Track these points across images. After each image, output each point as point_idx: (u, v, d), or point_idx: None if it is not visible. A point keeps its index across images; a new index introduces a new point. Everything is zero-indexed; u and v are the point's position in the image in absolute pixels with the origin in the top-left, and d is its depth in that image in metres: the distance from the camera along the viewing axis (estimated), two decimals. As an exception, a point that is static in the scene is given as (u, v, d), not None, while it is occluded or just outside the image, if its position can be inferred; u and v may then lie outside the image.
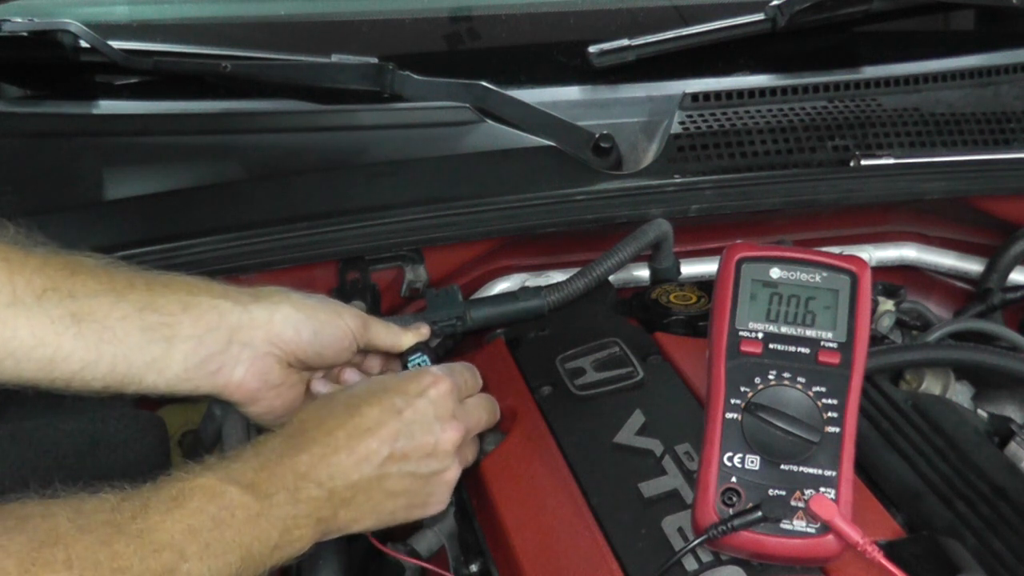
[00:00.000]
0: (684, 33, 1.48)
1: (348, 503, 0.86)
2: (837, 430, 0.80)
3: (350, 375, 1.02)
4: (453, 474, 0.93)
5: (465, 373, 0.99)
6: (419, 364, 1.06)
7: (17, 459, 0.99)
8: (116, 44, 1.35)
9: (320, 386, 1.00)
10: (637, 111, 1.39)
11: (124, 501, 0.74)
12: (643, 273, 1.31)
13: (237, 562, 0.77)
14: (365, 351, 1.04)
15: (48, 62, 1.39)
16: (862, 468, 0.91)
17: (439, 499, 0.94)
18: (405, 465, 0.89)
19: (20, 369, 0.87)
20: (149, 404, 1.08)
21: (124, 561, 0.70)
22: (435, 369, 0.97)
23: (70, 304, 0.87)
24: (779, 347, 0.82)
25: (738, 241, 0.87)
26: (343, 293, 1.20)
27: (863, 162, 1.32)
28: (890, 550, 0.78)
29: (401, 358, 1.06)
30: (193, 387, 0.93)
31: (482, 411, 0.99)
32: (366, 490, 0.87)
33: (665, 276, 1.27)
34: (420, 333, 1.06)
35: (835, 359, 0.81)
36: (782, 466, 0.79)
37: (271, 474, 0.82)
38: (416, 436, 0.90)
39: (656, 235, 1.19)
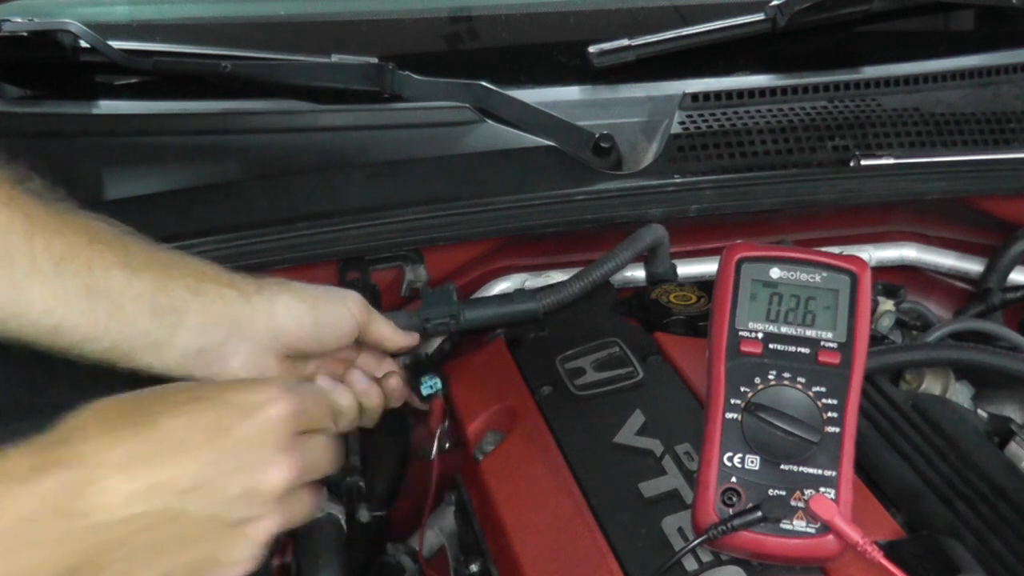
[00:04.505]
0: (684, 33, 1.48)
1: (109, 553, 0.65)
2: (837, 430, 0.80)
3: (353, 376, 1.01)
4: (266, 527, 0.72)
5: (319, 399, 0.80)
6: (431, 387, 1.06)
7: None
8: (116, 44, 1.35)
9: (324, 385, 1.00)
10: (637, 111, 1.38)
11: None
12: (643, 273, 1.31)
13: None
14: (361, 344, 1.02)
15: (48, 62, 1.39)
16: (862, 468, 0.91)
17: (238, 558, 0.71)
18: (206, 504, 0.69)
19: (22, 332, 0.86)
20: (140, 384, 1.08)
21: None
22: (280, 384, 0.76)
23: (86, 276, 0.86)
24: (779, 347, 0.82)
25: (738, 241, 0.87)
26: (343, 293, 1.20)
27: (863, 162, 1.32)
28: (890, 550, 0.78)
29: (413, 376, 1.06)
30: (187, 373, 0.92)
31: (323, 455, 0.79)
32: (144, 531, 0.67)
33: (662, 279, 1.26)
34: (412, 337, 1.05)
35: (835, 359, 0.81)
36: (782, 466, 0.79)
37: (7, 491, 0.64)
38: (231, 467, 0.70)
39: (652, 240, 1.19)
